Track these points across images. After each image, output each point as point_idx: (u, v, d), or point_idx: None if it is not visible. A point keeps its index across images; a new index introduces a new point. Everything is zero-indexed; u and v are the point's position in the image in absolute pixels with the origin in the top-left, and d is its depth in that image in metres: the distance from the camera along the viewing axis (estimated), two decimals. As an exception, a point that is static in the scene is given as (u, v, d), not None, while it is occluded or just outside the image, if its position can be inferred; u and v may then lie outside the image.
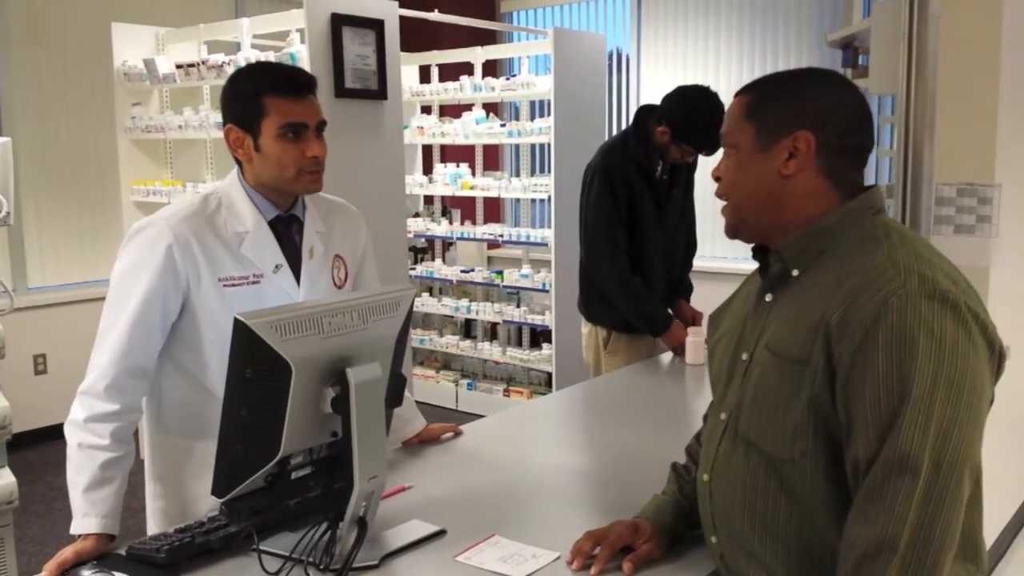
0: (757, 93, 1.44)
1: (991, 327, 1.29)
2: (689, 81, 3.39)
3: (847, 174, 1.41)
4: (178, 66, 4.70)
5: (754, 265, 1.53)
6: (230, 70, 4.24)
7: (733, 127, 1.45)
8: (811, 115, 1.38)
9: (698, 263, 3.75)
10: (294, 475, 1.56)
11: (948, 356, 1.21)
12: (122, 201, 5.09)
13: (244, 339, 1.41)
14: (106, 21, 5.01)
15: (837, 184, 1.40)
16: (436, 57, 6.22)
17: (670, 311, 3.39)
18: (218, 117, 2.57)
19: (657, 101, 3.30)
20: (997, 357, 1.30)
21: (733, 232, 1.49)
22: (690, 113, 3.14)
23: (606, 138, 5.46)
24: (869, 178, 1.64)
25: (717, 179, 1.48)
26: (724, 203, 1.49)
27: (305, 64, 4.01)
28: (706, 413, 1.66)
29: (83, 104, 5.65)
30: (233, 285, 1.93)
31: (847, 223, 1.39)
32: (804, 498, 1.34)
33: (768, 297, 1.45)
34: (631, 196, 3.28)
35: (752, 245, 1.51)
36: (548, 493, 2.00)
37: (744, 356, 1.46)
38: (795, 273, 1.41)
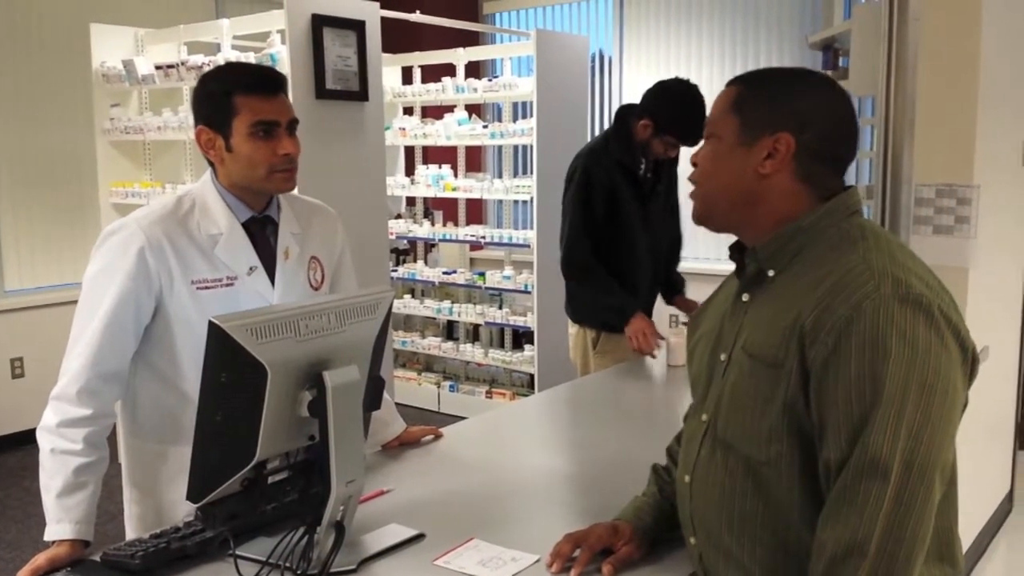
0: (747, 87, 1.43)
1: (964, 331, 1.29)
2: (671, 83, 3.39)
3: (824, 179, 1.41)
4: (157, 67, 4.66)
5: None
6: (210, 71, 4.20)
7: (718, 117, 1.44)
8: (795, 118, 1.38)
9: (692, 265, 3.77)
10: (271, 479, 1.55)
11: (920, 360, 1.21)
12: (100, 203, 5.05)
13: (218, 342, 1.39)
14: (85, 22, 4.97)
15: (813, 187, 1.40)
16: (418, 58, 6.20)
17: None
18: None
19: (637, 101, 3.31)
20: (970, 361, 1.30)
21: (700, 219, 1.48)
22: (672, 104, 3.16)
23: (588, 139, 5.47)
24: (849, 178, 1.65)
25: (694, 164, 1.48)
26: (693, 188, 1.48)
27: (286, 65, 3.99)
28: (687, 414, 1.65)
29: (61, 105, 5.60)
30: (207, 288, 1.91)
31: (824, 224, 1.38)
32: (780, 500, 1.34)
33: (745, 297, 1.45)
34: (613, 196, 3.28)
35: (729, 245, 1.51)
36: (528, 496, 1.99)
37: (723, 357, 1.45)
38: (771, 273, 1.41)
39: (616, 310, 3.28)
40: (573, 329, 3.59)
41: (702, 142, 1.48)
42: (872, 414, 1.21)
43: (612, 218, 3.30)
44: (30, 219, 5.57)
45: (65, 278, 5.60)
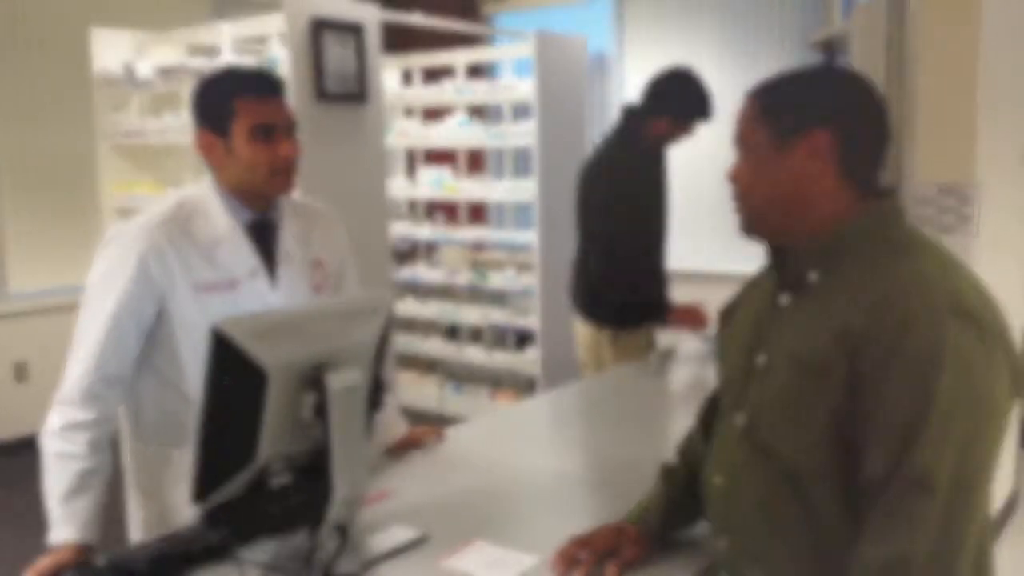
0: (769, 92, 1.40)
1: (1013, 346, 1.26)
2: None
3: (866, 171, 1.37)
4: (157, 70, 4.66)
5: (744, 265, 1.49)
6: (210, 74, 4.20)
7: (746, 129, 1.40)
8: (824, 112, 1.34)
9: (692, 266, 3.80)
10: (274, 482, 1.55)
11: (970, 375, 1.19)
12: (102, 207, 5.05)
13: (220, 346, 1.40)
14: (85, 25, 4.97)
15: (856, 182, 1.36)
16: (418, 60, 6.20)
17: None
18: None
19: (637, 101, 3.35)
20: (1018, 376, 1.27)
21: (749, 231, 1.44)
22: (689, 93, 3.28)
23: (588, 140, 5.46)
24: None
25: (733, 180, 1.43)
26: (737, 203, 1.44)
27: (286, 68, 3.99)
28: (703, 411, 1.64)
29: (63, 109, 5.60)
30: (209, 291, 1.91)
31: (871, 228, 1.35)
32: (820, 507, 1.31)
33: (784, 300, 1.41)
34: (652, 193, 3.39)
35: (767, 244, 1.46)
36: (532, 497, 1.99)
37: (760, 359, 1.41)
38: (815, 278, 1.37)
39: (659, 305, 3.39)
40: (583, 327, 3.57)
41: (735, 158, 1.44)
42: (920, 428, 1.18)
43: (656, 216, 3.42)
44: (33, 222, 5.58)
45: (68, 282, 5.61)
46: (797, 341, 1.35)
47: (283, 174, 1.93)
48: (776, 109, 1.38)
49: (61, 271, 5.66)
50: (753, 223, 1.43)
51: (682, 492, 1.64)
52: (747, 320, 1.50)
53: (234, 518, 1.54)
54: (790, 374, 1.35)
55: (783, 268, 1.43)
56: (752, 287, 1.57)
